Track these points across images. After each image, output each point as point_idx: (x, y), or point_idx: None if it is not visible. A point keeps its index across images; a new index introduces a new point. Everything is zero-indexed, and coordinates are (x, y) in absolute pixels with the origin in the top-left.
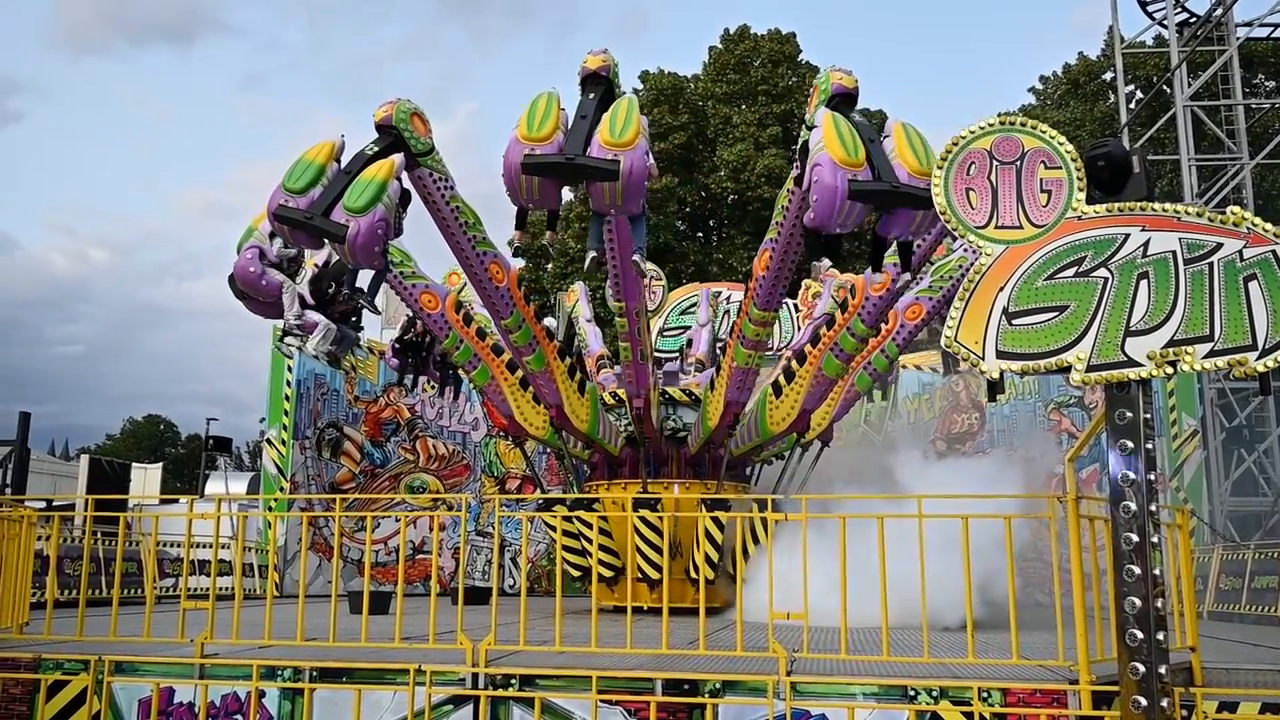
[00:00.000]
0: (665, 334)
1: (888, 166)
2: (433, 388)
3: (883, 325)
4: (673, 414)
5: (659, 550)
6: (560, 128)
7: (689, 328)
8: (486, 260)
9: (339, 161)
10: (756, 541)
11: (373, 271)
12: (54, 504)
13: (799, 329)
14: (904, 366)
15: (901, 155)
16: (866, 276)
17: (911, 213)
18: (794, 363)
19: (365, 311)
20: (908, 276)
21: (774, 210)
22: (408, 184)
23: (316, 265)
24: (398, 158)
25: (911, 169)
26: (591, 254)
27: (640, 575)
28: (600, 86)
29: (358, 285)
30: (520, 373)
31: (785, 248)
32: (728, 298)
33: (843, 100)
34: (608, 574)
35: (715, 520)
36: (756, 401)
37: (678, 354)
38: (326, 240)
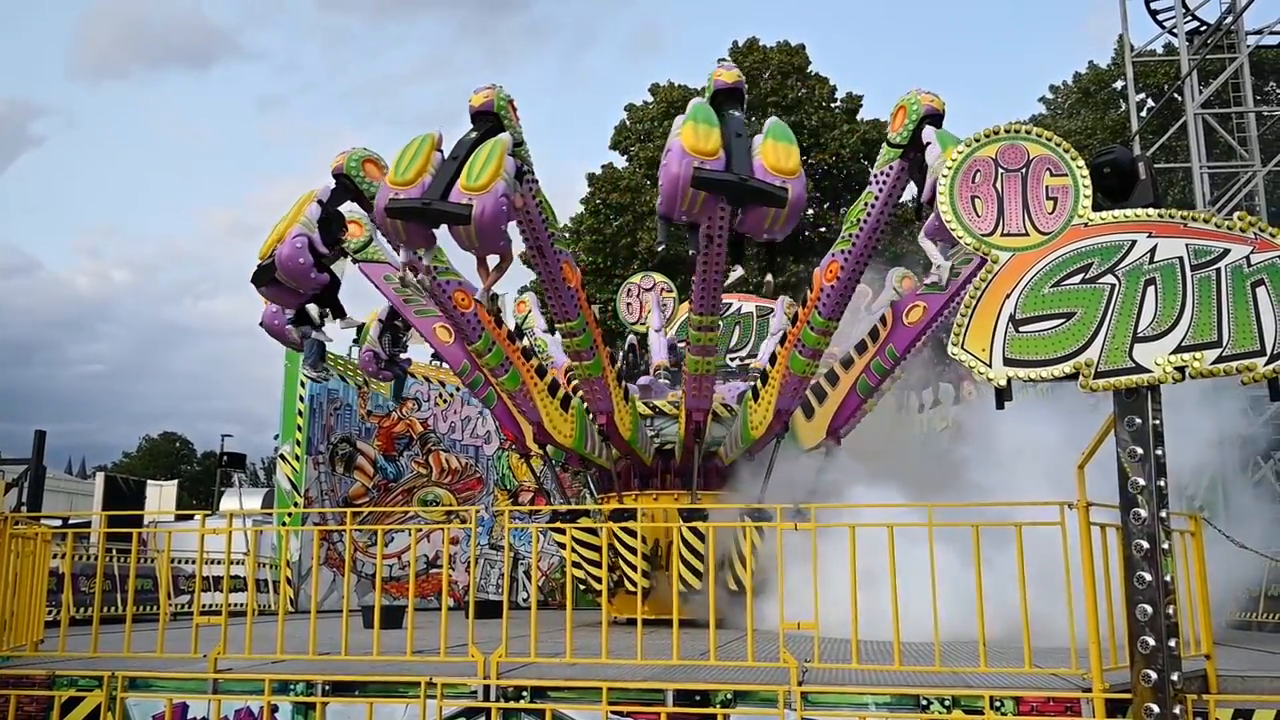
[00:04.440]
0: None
1: (746, 162)
2: (445, 401)
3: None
4: (651, 425)
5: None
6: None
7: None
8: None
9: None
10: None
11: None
12: (69, 522)
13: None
14: None
15: (763, 151)
16: (820, 267)
17: (764, 210)
18: (767, 365)
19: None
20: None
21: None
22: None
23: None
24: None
25: (769, 165)
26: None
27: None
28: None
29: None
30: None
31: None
32: (739, 309)
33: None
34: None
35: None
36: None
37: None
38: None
